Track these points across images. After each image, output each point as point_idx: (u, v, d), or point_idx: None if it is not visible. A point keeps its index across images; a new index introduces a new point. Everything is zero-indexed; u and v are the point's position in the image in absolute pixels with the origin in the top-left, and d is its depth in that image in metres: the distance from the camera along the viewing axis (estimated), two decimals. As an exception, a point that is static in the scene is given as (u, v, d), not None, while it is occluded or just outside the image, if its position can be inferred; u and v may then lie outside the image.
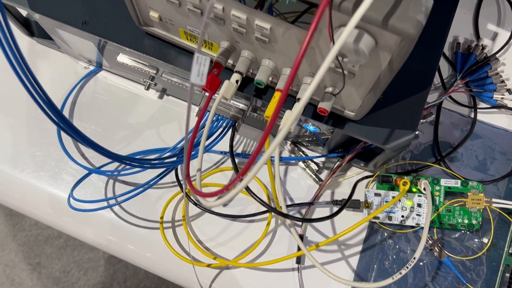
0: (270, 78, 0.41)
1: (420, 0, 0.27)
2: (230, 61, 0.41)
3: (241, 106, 0.46)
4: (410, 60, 0.31)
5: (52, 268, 1.19)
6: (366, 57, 0.30)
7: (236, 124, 0.47)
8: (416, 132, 0.53)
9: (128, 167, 0.50)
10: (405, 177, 0.50)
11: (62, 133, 0.52)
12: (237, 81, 0.39)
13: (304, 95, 0.27)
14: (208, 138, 0.46)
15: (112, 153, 0.38)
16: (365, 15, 0.26)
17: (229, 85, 0.39)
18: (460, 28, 0.58)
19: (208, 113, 0.43)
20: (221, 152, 0.53)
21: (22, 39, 0.55)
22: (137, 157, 0.52)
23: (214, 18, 0.36)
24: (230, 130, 0.47)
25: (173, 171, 0.49)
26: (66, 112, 0.53)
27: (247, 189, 0.46)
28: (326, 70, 0.26)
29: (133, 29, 0.44)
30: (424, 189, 0.48)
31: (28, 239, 1.21)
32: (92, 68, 0.55)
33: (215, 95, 0.39)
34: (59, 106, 0.53)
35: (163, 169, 0.48)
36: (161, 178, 0.48)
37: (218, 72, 0.39)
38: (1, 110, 0.54)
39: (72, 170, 0.52)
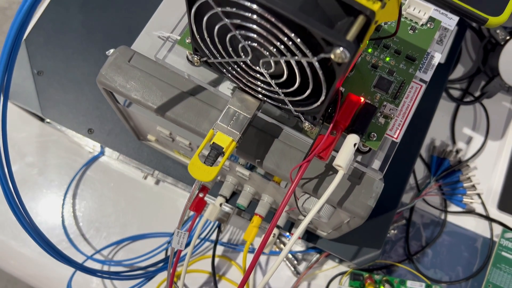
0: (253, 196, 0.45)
1: (371, 187, 0.32)
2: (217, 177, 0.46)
3: (227, 209, 0.51)
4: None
5: None
6: (327, 220, 0.35)
7: (221, 226, 0.51)
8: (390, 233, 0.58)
9: (117, 251, 0.55)
10: (375, 276, 0.54)
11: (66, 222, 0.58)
12: (221, 204, 0.44)
13: (283, 252, 0.31)
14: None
15: (87, 268, 0.43)
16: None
17: (213, 209, 0.43)
18: (437, 131, 0.62)
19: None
20: (208, 240, 0.57)
21: (34, 123, 0.60)
22: (124, 243, 0.57)
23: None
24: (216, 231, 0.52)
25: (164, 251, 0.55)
26: (70, 194, 0.59)
27: None
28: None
29: (133, 139, 0.49)
30: (389, 295, 0.52)
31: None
32: (96, 153, 0.60)
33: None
34: (64, 188, 0.58)
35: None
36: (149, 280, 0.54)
37: (204, 194, 0.44)
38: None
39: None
